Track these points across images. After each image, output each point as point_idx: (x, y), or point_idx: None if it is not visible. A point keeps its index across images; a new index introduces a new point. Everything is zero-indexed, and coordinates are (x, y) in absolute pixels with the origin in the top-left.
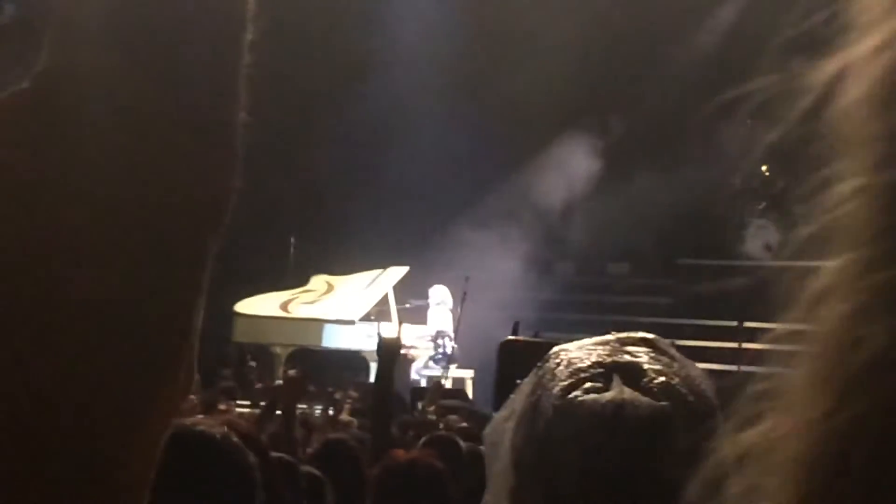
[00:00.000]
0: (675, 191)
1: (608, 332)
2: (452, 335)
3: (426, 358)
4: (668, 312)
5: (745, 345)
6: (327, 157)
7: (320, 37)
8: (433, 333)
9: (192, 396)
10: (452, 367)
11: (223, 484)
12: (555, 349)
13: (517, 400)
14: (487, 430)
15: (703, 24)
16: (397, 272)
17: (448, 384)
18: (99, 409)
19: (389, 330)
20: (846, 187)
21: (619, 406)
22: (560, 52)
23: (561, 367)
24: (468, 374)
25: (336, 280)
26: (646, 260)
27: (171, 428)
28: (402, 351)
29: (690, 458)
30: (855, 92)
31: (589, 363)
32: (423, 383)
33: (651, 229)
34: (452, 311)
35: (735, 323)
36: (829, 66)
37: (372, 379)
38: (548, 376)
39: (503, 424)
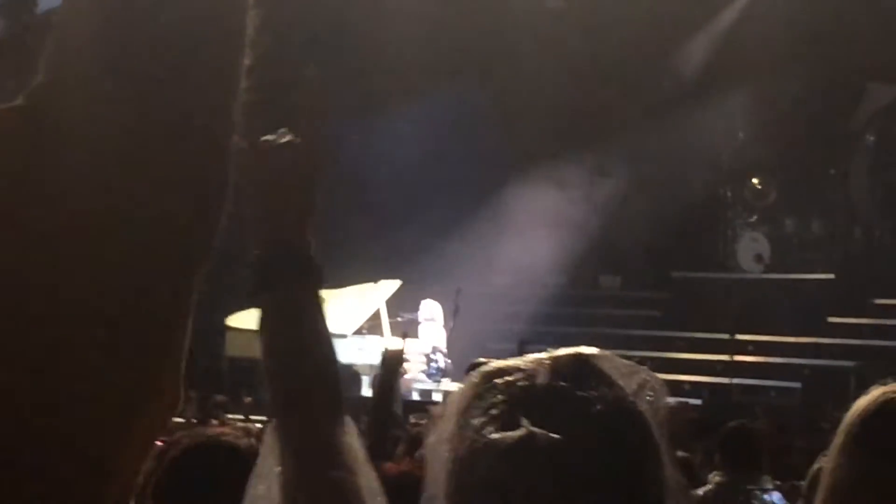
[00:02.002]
0: (667, 203)
1: (554, 348)
2: (445, 349)
3: (417, 372)
4: (659, 325)
5: (737, 357)
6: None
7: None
8: (428, 349)
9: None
10: (446, 380)
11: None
12: (490, 367)
13: (449, 413)
14: (429, 440)
15: (693, 38)
16: (389, 286)
17: (441, 398)
18: (81, 422)
19: (393, 343)
20: None
21: (523, 442)
22: (553, 68)
23: (488, 394)
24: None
25: (327, 294)
26: (637, 273)
27: (195, 439)
28: (408, 362)
29: (597, 491)
30: None
31: (507, 395)
32: (416, 397)
33: (643, 242)
34: (445, 325)
35: (727, 335)
36: None
37: (364, 393)
38: (474, 403)
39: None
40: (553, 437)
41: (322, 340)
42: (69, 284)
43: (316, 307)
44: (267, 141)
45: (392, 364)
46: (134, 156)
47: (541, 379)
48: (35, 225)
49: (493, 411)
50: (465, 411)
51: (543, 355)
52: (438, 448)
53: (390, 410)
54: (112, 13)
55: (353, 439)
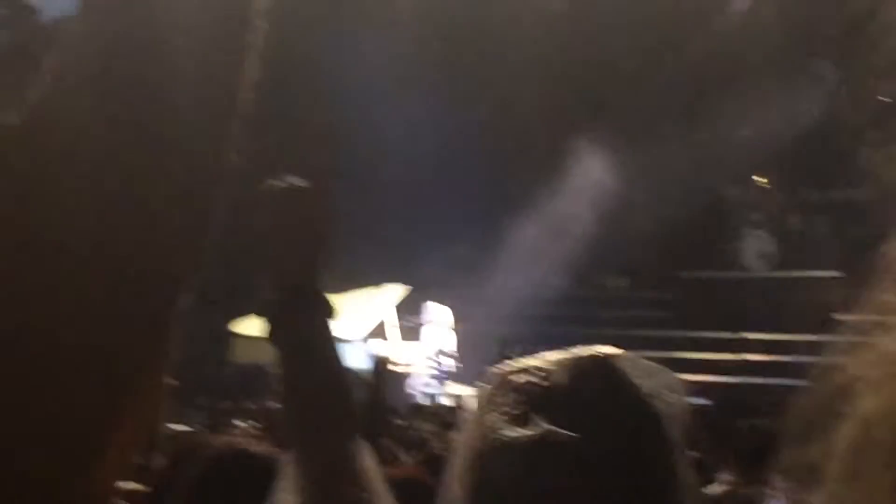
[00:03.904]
0: (673, 203)
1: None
2: (450, 352)
3: (423, 375)
4: (667, 325)
5: (744, 356)
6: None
7: (310, 57)
8: (433, 352)
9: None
10: (451, 383)
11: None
12: (508, 366)
13: (471, 413)
14: (454, 439)
15: (698, 30)
16: (396, 291)
17: (448, 402)
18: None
19: (383, 348)
20: None
21: (538, 440)
22: (557, 67)
23: (505, 393)
24: (467, 391)
25: (334, 299)
26: (644, 273)
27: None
28: (398, 368)
29: (610, 490)
30: None
31: (524, 393)
32: (422, 400)
33: (649, 243)
34: (453, 328)
35: (735, 335)
36: None
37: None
38: (492, 401)
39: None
40: (568, 436)
41: (334, 369)
42: (67, 288)
43: (325, 339)
44: (276, 185)
45: (380, 371)
46: (120, 187)
47: (558, 378)
48: (34, 237)
49: (510, 409)
50: (483, 409)
51: (563, 354)
52: (460, 446)
53: (381, 418)
54: (116, 39)
55: (369, 460)
